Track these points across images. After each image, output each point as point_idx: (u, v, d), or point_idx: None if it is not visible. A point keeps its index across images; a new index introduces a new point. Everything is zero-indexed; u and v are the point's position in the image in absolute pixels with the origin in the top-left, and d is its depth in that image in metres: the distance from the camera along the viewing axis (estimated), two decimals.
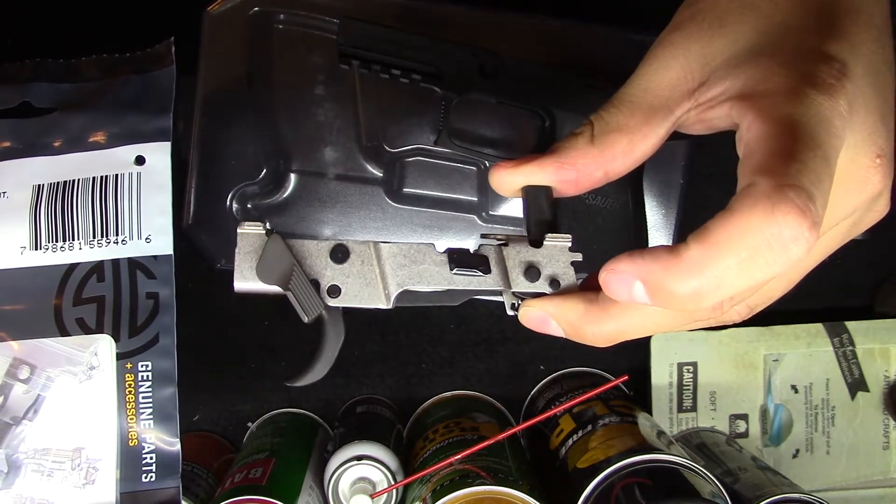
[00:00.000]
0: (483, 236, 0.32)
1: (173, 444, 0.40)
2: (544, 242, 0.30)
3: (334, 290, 0.30)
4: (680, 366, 0.54)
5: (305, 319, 0.30)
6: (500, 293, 0.31)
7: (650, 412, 0.54)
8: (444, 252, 0.31)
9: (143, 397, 0.40)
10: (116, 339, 0.41)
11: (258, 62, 0.45)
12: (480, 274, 0.30)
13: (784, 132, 0.24)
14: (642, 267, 0.24)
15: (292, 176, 0.46)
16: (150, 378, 0.41)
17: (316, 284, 0.30)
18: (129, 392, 0.40)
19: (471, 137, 0.44)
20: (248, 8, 0.44)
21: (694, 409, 0.54)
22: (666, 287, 0.24)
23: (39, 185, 0.42)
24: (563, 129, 0.42)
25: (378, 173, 0.46)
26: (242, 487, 0.43)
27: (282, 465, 0.45)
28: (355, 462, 0.44)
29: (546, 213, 0.30)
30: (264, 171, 0.45)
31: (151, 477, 0.40)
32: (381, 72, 0.40)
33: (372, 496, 0.43)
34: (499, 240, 0.31)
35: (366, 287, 0.30)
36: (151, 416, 0.40)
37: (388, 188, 0.46)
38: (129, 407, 0.40)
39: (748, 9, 0.27)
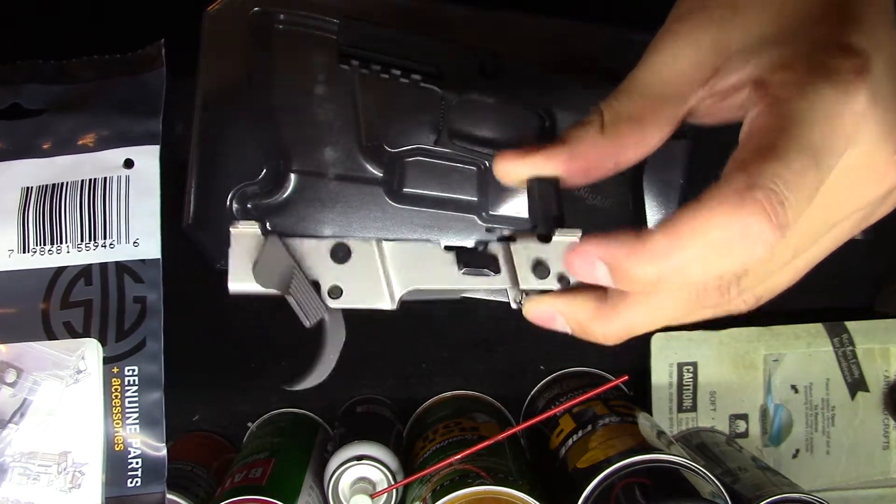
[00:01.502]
0: (488, 230, 0.31)
1: (159, 450, 0.40)
2: (553, 238, 0.29)
3: (335, 291, 0.29)
4: (680, 366, 0.54)
5: (307, 324, 0.29)
6: (504, 291, 0.30)
7: (650, 412, 0.54)
8: (451, 250, 0.30)
9: (130, 402, 0.40)
10: (103, 344, 0.40)
11: (258, 62, 0.45)
12: (490, 274, 0.29)
13: (778, 128, 0.23)
14: (607, 250, 0.25)
15: (292, 176, 0.46)
16: (136, 383, 0.40)
17: (316, 286, 0.29)
18: (116, 396, 0.40)
19: (471, 137, 0.44)
20: (248, 8, 0.44)
21: (694, 409, 0.54)
22: (627, 269, 0.24)
23: (28, 188, 0.42)
24: (563, 129, 0.42)
25: (378, 173, 0.46)
26: (242, 487, 0.42)
27: (282, 465, 0.45)
28: (355, 462, 0.44)
29: (554, 208, 0.29)
30: (264, 171, 0.45)
31: (137, 482, 0.40)
32: (381, 72, 0.40)
33: (372, 496, 0.43)
34: (505, 235, 0.30)
35: (369, 287, 0.29)
36: (137, 421, 0.40)
37: (388, 188, 0.46)
38: (116, 411, 0.40)
39: None
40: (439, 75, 0.41)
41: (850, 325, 0.54)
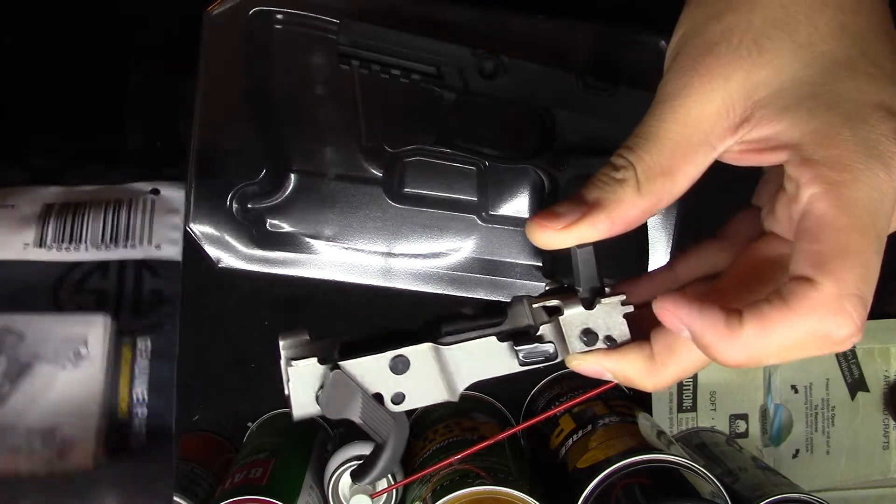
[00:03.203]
0: (535, 300, 0.30)
1: (167, 416, 0.40)
2: (600, 304, 0.30)
3: (398, 398, 0.29)
4: None
5: (378, 441, 0.29)
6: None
7: (650, 412, 0.54)
8: (504, 340, 0.30)
9: (140, 371, 0.40)
10: (116, 319, 0.40)
11: (258, 62, 0.45)
12: (549, 362, 0.30)
13: (849, 226, 0.24)
14: (699, 325, 0.25)
15: (292, 176, 0.46)
16: (148, 355, 0.41)
17: (379, 397, 0.29)
18: (125, 366, 0.40)
19: (471, 137, 0.44)
20: (248, 8, 0.44)
21: (694, 409, 0.54)
22: (713, 351, 0.25)
23: (51, 205, 0.42)
24: (563, 129, 0.42)
25: (378, 173, 0.46)
26: (242, 487, 0.42)
27: (282, 465, 0.45)
28: (355, 462, 0.44)
29: (597, 276, 0.29)
30: (264, 171, 0.45)
31: (142, 447, 0.40)
32: (381, 72, 0.40)
33: (372, 496, 0.43)
34: (553, 306, 0.30)
35: (430, 388, 0.30)
36: (146, 391, 0.40)
37: (388, 188, 0.46)
38: (123, 381, 0.40)
39: (786, 33, 0.25)
40: (439, 75, 0.41)
41: None
